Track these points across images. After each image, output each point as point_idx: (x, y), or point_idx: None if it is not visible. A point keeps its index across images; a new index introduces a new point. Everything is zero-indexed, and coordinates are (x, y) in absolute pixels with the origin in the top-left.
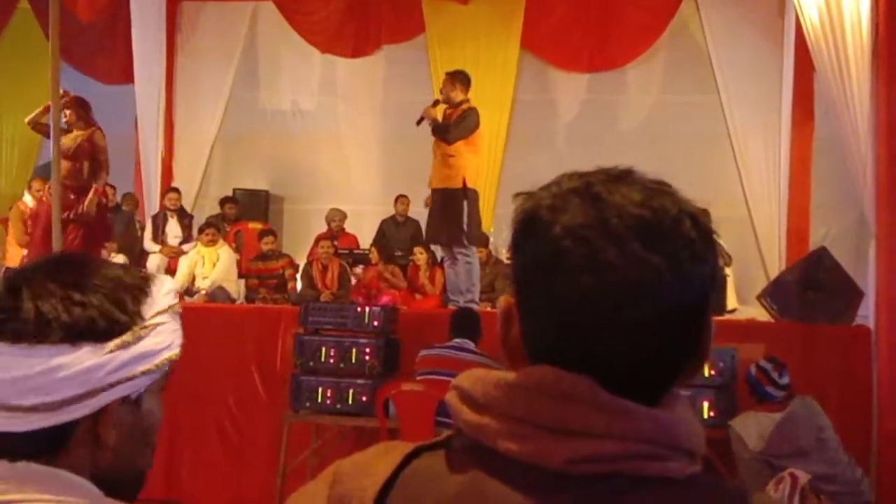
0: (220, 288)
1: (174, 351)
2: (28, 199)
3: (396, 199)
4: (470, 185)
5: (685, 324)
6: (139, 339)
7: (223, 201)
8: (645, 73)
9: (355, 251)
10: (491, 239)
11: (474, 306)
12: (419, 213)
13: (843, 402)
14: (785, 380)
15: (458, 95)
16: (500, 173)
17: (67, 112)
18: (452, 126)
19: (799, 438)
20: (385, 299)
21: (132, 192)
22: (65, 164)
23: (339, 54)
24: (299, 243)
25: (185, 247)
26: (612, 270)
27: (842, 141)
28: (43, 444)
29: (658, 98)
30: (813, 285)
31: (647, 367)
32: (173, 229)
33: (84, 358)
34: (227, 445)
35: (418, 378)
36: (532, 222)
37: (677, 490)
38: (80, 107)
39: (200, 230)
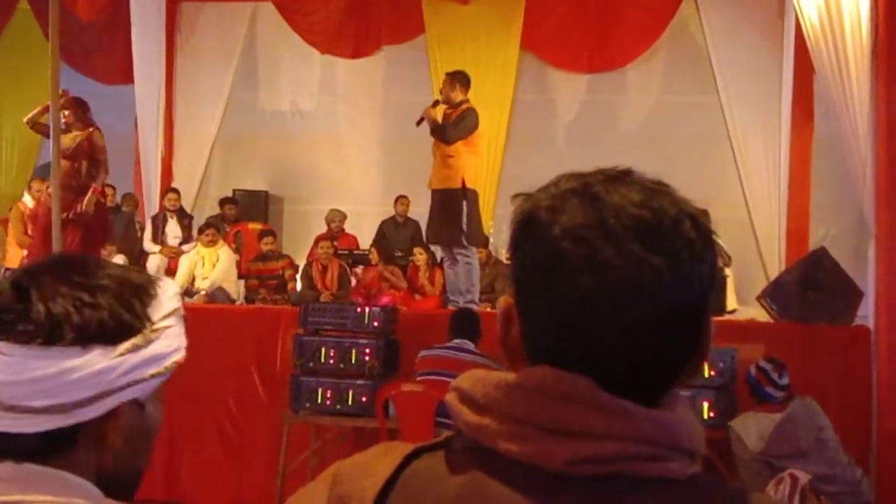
0: (220, 288)
1: (181, 354)
2: (28, 200)
3: (396, 200)
4: (469, 185)
5: (684, 324)
6: (149, 342)
7: (223, 202)
8: (645, 73)
9: (355, 252)
10: (491, 239)
11: (474, 307)
12: (419, 213)
13: (842, 403)
14: (785, 380)
15: (457, 96)
16: (499, 174)
17: (66, 112)
18: (451, 127)
19: (799, 439)
20: (385, 300)
21: (132, 193)
22: (63, 164)
23: (339, 55)
24: (299, 244)
25: (184, 247)
26: (612, 271)
27: (841, 141)
28: (50, 446)
29: (658, 98)
30: (812, 286)
31: (647, 368)
32: (173, 230)
33: (95, 360)
34: (227, 446)
35: (418, 379)
36: (531, 223)
37: (678, 491)
38: (79, 107)
39: (200, 231)
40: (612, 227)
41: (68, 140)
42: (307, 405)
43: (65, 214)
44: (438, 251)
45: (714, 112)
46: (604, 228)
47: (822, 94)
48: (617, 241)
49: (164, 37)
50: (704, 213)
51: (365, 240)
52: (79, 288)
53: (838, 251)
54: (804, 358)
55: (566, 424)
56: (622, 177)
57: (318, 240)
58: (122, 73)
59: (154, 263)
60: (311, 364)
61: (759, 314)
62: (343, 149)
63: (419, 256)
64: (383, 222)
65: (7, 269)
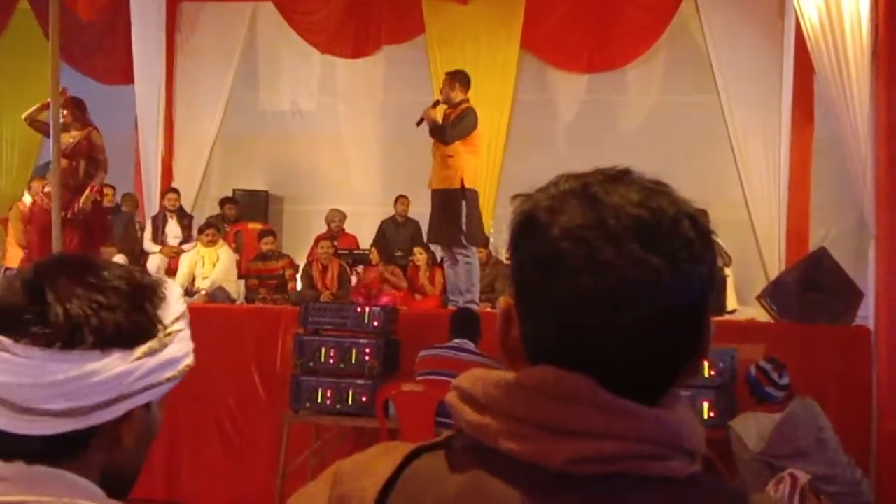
0: (220, 288)
1: (191, 358)
2: (28, 199)
3: (396, 200)
4: (468, 185)
5: (684, 324)
6: (164, 346)
7: (223, 202)
8: (645, 73)
9: (355, 252)
10: (491, 239)
11: (474, 307)
12: (419, 213)
13: (842, 403)
14: (785, 380)
15: (457, 95)
16: (499, 174)
17: (64, 112)
18: (449, 127)
19: (799, 439)
20: (385, 300)
21: (132, 193)
22: (62, 163)
23: (339, 55)
24: (299, 244)
25: (184, 247)
26: (611, 271)
27: (842, 142)
28: (63, 447)
29: (658, 98)
30: (813, 286)
31: (647, 368)
32: (173, 230)
33: (114, 364)
34: (227, 446)
35: (418, 378)
36: (530, 224)
37: (678, 490)
38: (76, 107)
39: (200, 230)
40: (612, 227)
41: (67, 139)
42: (307, 405)
43: (62, 213)
44: (439, 251)
45: (714, 112)
46: (603, 229)
47: (823, 95)
48: (616, 242)
49: (165, 37)
50: (703, 213)
51: (365, 240)
52: (93, 289)
53: (838, 251)
54: (804, 358)
55: (567, 423)
56: (621, 177)
57: (318, 240)
58: (123, 72)
59: (154, 263)
60: (311, 364)
61: (759, 314)
62: (343, 149)
63: (419, 256)
64: (383, 222)
65: (7, 268)
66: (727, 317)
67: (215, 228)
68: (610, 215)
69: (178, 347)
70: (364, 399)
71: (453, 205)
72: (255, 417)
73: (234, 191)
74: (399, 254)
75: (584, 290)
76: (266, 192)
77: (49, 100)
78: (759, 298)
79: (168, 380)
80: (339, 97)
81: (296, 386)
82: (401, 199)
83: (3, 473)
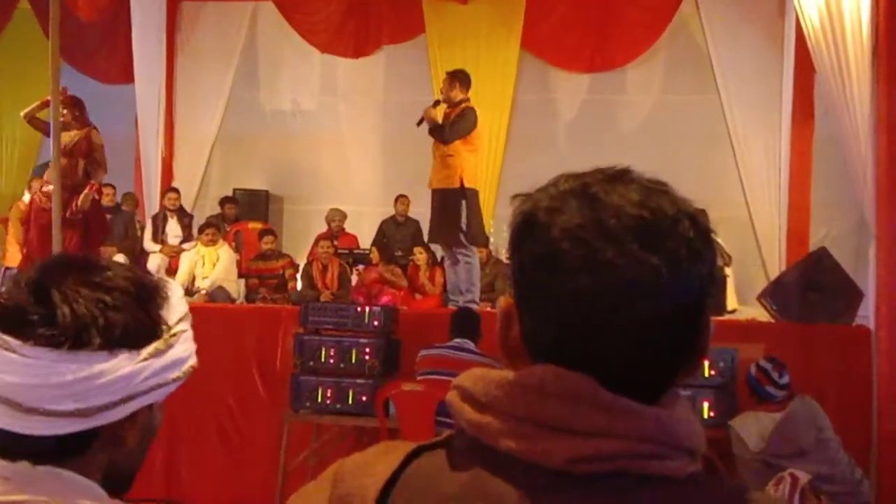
0: (220, 288)
1: (195, 358)
2: (28, 199)
3: (396, 200)
4: (468, 184)
5: (683, 323)
6: (170, 346)
7: (223, 201)
8: (645, 73)
9: (355, 251)
10: (491, 239)
11: (474, 306)
12: (419, 213)
13: (842, 403)
14: (785, 380)
15: (457, 95)
16: (500, 173)
17: (64, 111)
18: (448, 127)
19: (799, 438)
20: (385, 299)
21: (132, 192)
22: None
23: (340, 54)
24: (299, 243)
25: (185, 246)
26: (611, 270)
27: (842, 141)
28: (69, 447)
29: (658, 98)
30: (813, 286)
31: (646, 367)
32: (173, 229)
33: (121, 365)
34: (228, 445)
35: (418, 378)
36: (530, 224)
37: (677, 489)
38: (75, 106)
39: (200, 230)
40: (611, 227)
41: (66, 138)
42: (307, 404)
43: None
44: (439, 250)
45: (714, 112)
46: (602, 229)
47: (823, 94)
48: (616, 242)
49: (165, 36)
50: (703, 212)
51: (365, 239)
52: (99, 289)
53: (839, 251)
54: (804, 358)
55: (567, 422)
56: (621, 176)
57: (318, 239)
58: (123, 72)
59: (154, 263)
60: (311, 363)
61: (759, 314)
62: (343, 148)
63: (419, 256)
64: (383, 222)
65: (7, 268)
66: (727, 316)
67: (215, 228)
68: (610, 215)
69: (182, 348)
70: (364, 398)
71: (453, 204)
72: (256, 417)
73: (234, 190)
74: (399, 253)
75: (583, 289)
76: (266, 191)
77: (48, 97)
78: (759, 298)
79: (174, 380)
80: (339, 97)
81: (296, 385)
82: (401, 199)
83: (6, 473)
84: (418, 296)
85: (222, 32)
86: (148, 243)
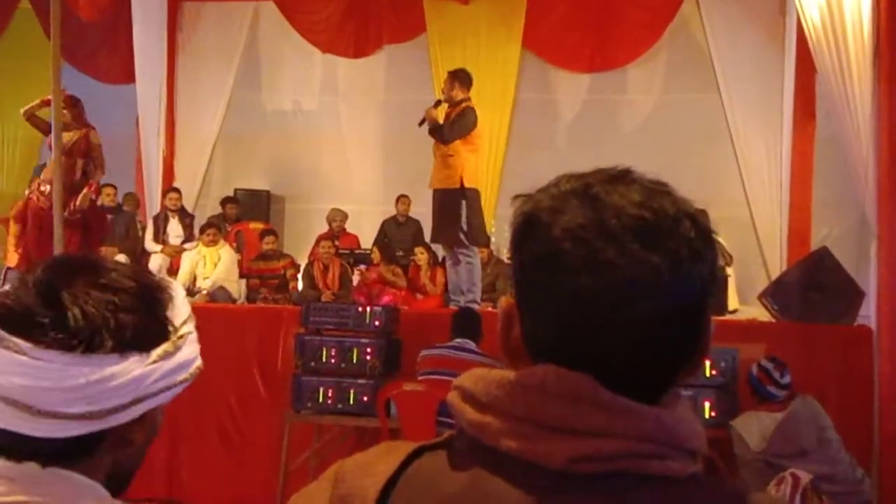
0: (222, 288)
1: (200, 359)
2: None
3: (397, 199)
4: (468, 184)
5: (684, 323)
6: (178, 349)
7: (224, 201)
8: (646, 72)
9: (356, 251)
10: (492, 239)
11: (475, 306)
12: (420, 213)
13: (844, 403)
14: (786, 379)
15: (458, 94)
16: (501, 173)
17: (63, 111)
18: (448, 126)
19: (800, 438)
20: (386, 299)
21: (133, 192)
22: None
23: (341, 54)
24: (300, 243)
25: (186, 246)
26: (611, 270)
27: (843, 141)
28: (77, 449)
29: (659, 98)
30: (814, 285)
31: (647, 367)
32: (174, 229)
33: (132, 367)
34: (229, 445)
35: (420, 378)
36: (531, 224)
37: (678, 489)
38: (74, 106)
39: (202, 230)
40: (612, 227)
41: (65, 138)
42: (308, 405)
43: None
44: (440, 250)
45: (715, 111)
46: (604, 229)
47: (824, 94)
48: (617, 242)
49: (166, 36)
50: (704, 213)
51: (366, 239)
52: (107, 291)
53: (840, 251)
54: (805, 358)
55: (567, 422)
56: (622, 177)
57: (319, 239)
58: (124, 72)
59: (156, 263)
60: (312, 363)
61: (760, 314)
62: (344, 148)
63: (420, 256)
64: (385, 222)
65: (9, 268)
66: (728, 316)
67: (216, 228)
68: (611, 215)
69: (189, 350)
70: (365, 399)
71: (454, 204)
72: (257, 417)
73: (235, 190)
74: (400, 253)
75: (584, 289)
76: (267, 191)
77: (48, 97)
78: (760, 298)
79: (181, 382)
80: (340, 96)
81: (297, 386)
82: (402, 199)
83: (11, 474)
84: (419, 296)
85: (223, 32)
86: (149, 243)
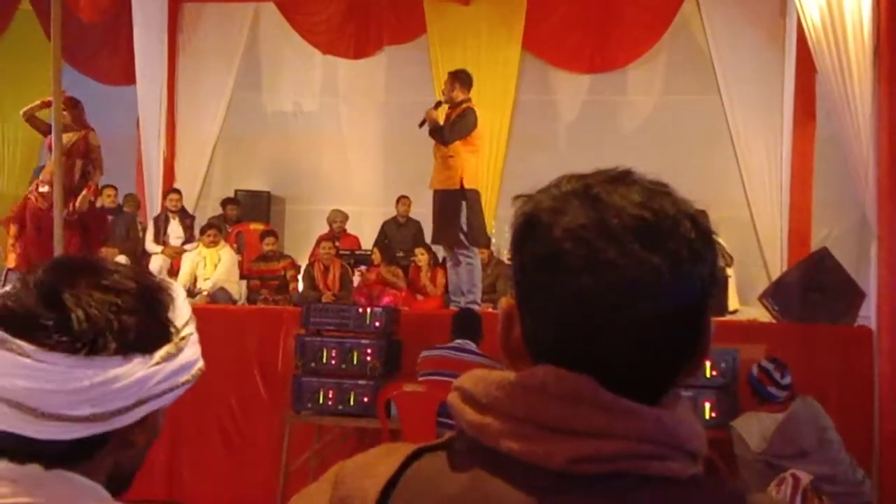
0: (222, 289)
1: (202, 361)
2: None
3: (398, 200)
4: (468, 185)
5: (684, 324)
6: (180, 350)
7: (225, 202)
8: (646, 73)
9: (357, 252)
10: (493, 240)
11: (476, 307)
12: (421, 213)
13: (844, 403)
14: (787, 380)
15: (458, 95)
16: (501, 174)
17: (64, 113)
18: (447, 127)
19: (801, 439)
20: (386, 300)
21: (134, 193)
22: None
23: (341, 55)
24: (301, 244)
25: (186, 247)
26: (612, 270)
27: (844, 142)
28: (80, 451)
29: (659, 98)
30: (815, 286)
31: (647, 367)
32: (175, 230)
33: (136, 369)
34: (229, 446)
35: (420, 379)
36: (532, 224)
37: (678, 490)
38: (74, 107)
39: (202, 231)
40: (613, 227)
41: (64, 139)
42: (309, 405)
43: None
44: (441, 251)
45: (716, 112)
46: (604, 229)
47: (825, 94)
48: (617, 242)
49: (167, 37)
50: (704, 213)
51: (367, 240)
52: (109, 292)
53: (840, 252)
54: (806, 358)
55: (568, 423)
56: (622, 178)
57: (319, 240)
58: (124, 73)
59: (156, 264)
60: (312, 364)
61: (760, 314)
62: (345, 149)
63: (420, 257)
64: (385, 223)
65: (9, 269)
66: (729, 317)
67: (217, 229)
68: (611, 215)
69: (191, 351)
70: (366, 400)
71: (454, 205)
72: (257, 418)
73: (235, 191)
74: (401, 254)
75: (584, 289)
76: (268, 192)
77: (48, 98)
78: (760, 299)
79: (184, 383)
80: (340, 98)
81: (297, 386)
82: (402, 200)
83: (13, 476)
84: (420, 297)
85: (224, 33)
86: (150, 244)
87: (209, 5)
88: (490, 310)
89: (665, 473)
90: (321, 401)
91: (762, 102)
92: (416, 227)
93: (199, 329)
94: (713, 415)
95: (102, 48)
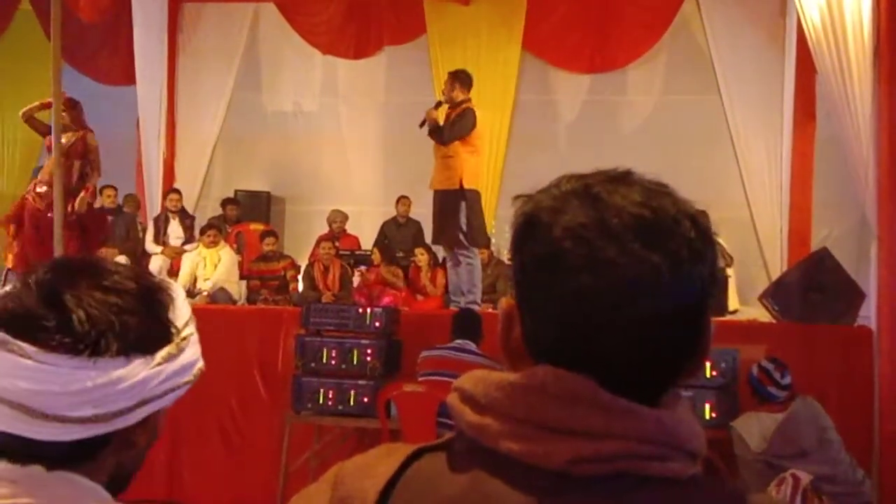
0: (222, 289)
1: (202, 361)
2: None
3: (398, 201)
4: (468, 185)
5: (684, 323)
6: (181, 350)
7: (225, 202)
8: (646, 73)
9: (357, 252)
10: (493, 240)
11: (476, 307)
12: (421, 214)
13: (844, 403)
14: (787, 380)
15: (458, 95)
16: (501, 174)
17: (63, 114)
18: (446, 128)
19: (801, 439)
20: (386, 300)
21: (134, 194)
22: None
23: (341, 55)
24: (301, 244)
25: (186, 248)
26: (613, 269)
27: (843, 142)
28: (82, 452)
29: (659, 99)
30: (815, 286)
31: (647, 367)
32: (175, 230)
33: (137, 370)
34: (229, 446)
35: (420, 379)
36: (532, 224)
37: (677, 491)
38: (73, 108)
39: (202, 231)
40: (613, 226)
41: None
42: (309, 406)
43: (52, 214)
44: (441, 251)
45: (716, 112)
46: (604, 228)
47: (825, 95)
48: (618, 241)
49: (167, 37)
50: (704, 213)
51: (366, 240)
52: (110, 293)
53: (840, 252)
54: (806, 359)
55: (567, 424)
56: (622, 178)
57: (319, 240)
58: (124, 73)
59: (156, 264)
60: (312, 364)
61: (760, 314)
62: (345, 149)
63: (420, 257)
64: (385, 223)
65: (9, 270)
66: (729, 317)
67: (217, 229)
68: (611, 215)
69: (192, 352)
70: (366, 400)
71: (454, 206)
72: (257, 418)
73: (235, 191)
74: (401, 254)
75: (584, 288)
76: (268, 192)
77: (48, 99)
78: (760, 299)
79: (185, 384)
80: (340, 98)
81: (297, 387)
82: (402, 200)
83: (13, 476)
84: (420, 297)
85: (224, 33)
86: (150, 245)
87: (209, 5)
88: (490, 310)
89: (665, 474)
90: (321, 401)
91: (762, 102)
92: (416, 227)
93: (199, 329)
94: (713, 415)
95: (102, 48)
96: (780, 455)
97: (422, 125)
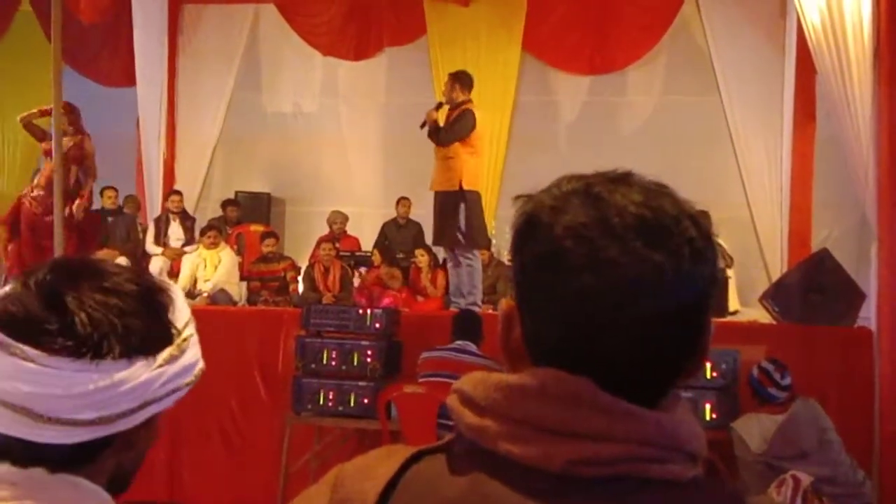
0: (222, 290)
1: (202, 362)
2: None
3: (398, 202)
4: (468, 187)
5: (685, 323)
6: (182, 352)
7: (225, 204)
8: (646, 74)
9: (357, 253)
10: (493, 241)
11: (476, 308)
12: (421, 215)
13: (844, 404)
14: (787, 381)
15: (458, 96)
16: (501, 175)
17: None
18: (445, 129)
19: (801, 440)
20: (387, 301)
21: (134, 195)
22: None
23: (341, 56)
24: (301, 245)
25: (186, 249)
26: (614, 269)
27: (844, 142)
28: (84, 454)
29: (659, 99)
30: (815, 287)
31: (648, 366)
32: (175, 232)
33: (140, 372)
34: (229, 448)
35: (420, 380)
36: (533, 224)
37: (678, 493)
38: (71, 113)
39: (202, 232)
40: (615, 225)
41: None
42: (309, 407)
43: (49, 218)
44: (441, 252)
45: (716, 113)
46: (606, 227)
47: (825, 95)
48: (619, 240)
49: (167, 38)
50: (704, 214)
51: (367, 241)
52: (111, 294)
53: (841, 253)
54: (806, 359)
55: (567, 425)
56: (623, 178)
57: (320, 241)
58: (125, 75)
59: (156, 265)
60: (313, 366)
61: (761, 315)
62: (345, 150)
63: (421, 258)
64: (385, 224)
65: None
66: (729, 318)
67: (217, 230)
68: (613, 214)
69: (192, 353)
70: (366, 401)
71: (454, 207)
72: (257, 419)
73: (236, 193)
74: (401, 255)
75: (586, 288)
76: (268, 193)
77: (47, 107)
78: (761, 300)
79: (186, 385)
80: (340, 99)
81: (297, 388)
82: (402, 201)
83: (15, 479)
84: (420, 298)
85: (224, 34)
86: (150, 246)
87: (209, 7)
88: (490, 311)
89: (665, 476)
90: (321, 402)
91: (762, 103)
92: (417, 228)
93: (200, 331)
94: (713, 416)
95: (102, 49)
96: (781, 456)
97: (422, 126)
